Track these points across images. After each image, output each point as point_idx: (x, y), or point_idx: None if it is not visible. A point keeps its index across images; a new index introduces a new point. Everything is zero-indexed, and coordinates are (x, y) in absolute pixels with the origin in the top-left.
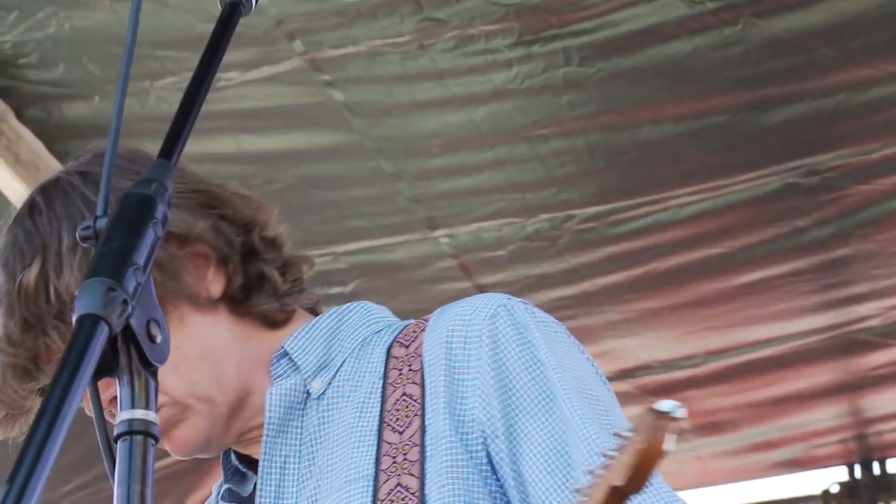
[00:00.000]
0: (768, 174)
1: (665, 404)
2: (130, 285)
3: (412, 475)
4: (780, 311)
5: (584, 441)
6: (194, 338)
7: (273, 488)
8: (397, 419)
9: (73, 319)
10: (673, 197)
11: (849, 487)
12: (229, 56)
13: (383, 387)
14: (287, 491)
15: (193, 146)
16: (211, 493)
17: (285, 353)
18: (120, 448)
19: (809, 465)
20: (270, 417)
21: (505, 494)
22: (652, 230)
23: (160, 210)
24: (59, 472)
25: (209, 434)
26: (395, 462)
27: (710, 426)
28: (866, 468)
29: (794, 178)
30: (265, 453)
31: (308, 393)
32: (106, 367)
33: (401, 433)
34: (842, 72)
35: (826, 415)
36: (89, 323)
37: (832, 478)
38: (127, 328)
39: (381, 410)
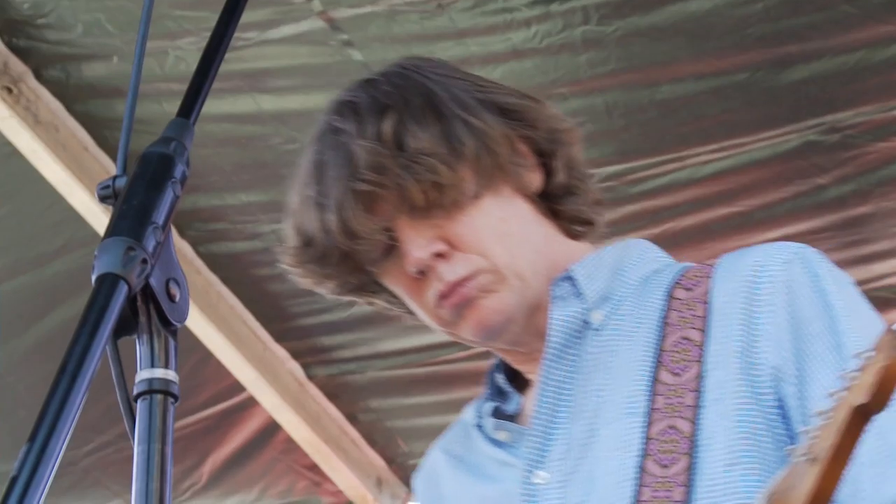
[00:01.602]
0: (788, 132)
1: None
2: (150, 244)
3: (685, 419)
4: None
5: None
6: (519, 218)
7: (547, 412)
8: (674, 361)
9: (93, 279)
10: (692, 155)
11: None
12: (247, 15)
13: (662, 327)
14: (560, 417)
15: (212, 106)
16: None
17: (569, 277)
18: (140, 407)
19: None
20: (553, 341)
21: (792, 439)
22: (671, 189)
23: (179, 169)
24: (79, 431)
25: (514, 313)
26: (668, 403)
27: None
28: None
29: (814, 135)
30: (543, 376)
31: (586, 323)
32: (126, 326)
33: (676, 375)
34: (862, 29)
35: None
36: (109, 282)
37: None
38: (146, 287)
39: (658, 350)
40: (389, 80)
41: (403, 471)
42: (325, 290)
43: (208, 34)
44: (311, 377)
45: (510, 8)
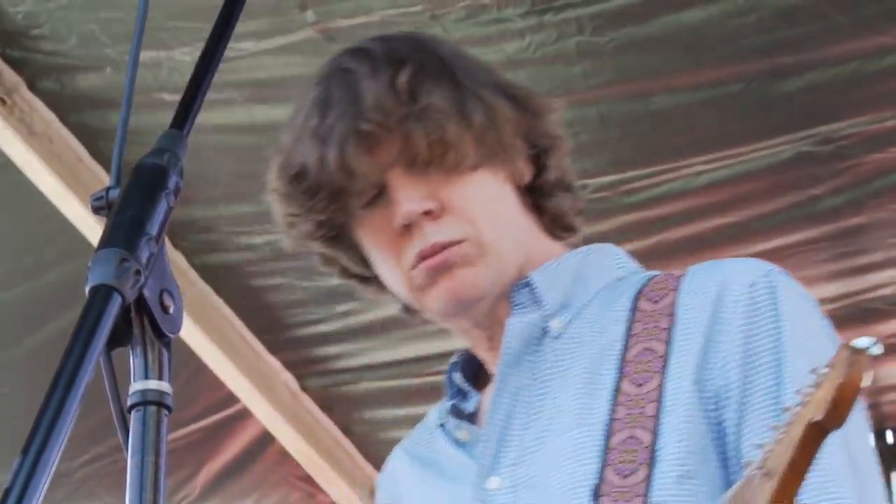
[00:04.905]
0: (782, 142)
1: (862, 341)
2: (144, 255)
3: (646, 429)
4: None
5: None
6: (508, 202)
7: (502, 418)
8: (637, 372)
9: (86, 290)
10: (686, 166)
11: None
12: (242, 26)
13: (626, 338)
14: (515, 422)
15: (206, 116)
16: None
17: (528, 284)
18: (134, 418)
19: None
20: (509, 348)
21: (726, 462)
22: (666, 199)
23: (173, 180)
24: (73, 442)
25: (486, 291)
26: (629, 413)
27: None
28: (880, 437)
29: (808, 146)
30: (499, 382)
31: (545, 330)
32: (119, 338)
33: (639, 386)
34: (856, 39)
35: None
36: (102, 293)
37: None
38: (140, 298)
39: (622, 361)
40: (404, 40)
41: None
42: (296, 233)
43: (202, 45)
44: (305, 388)
45: (504, 18)
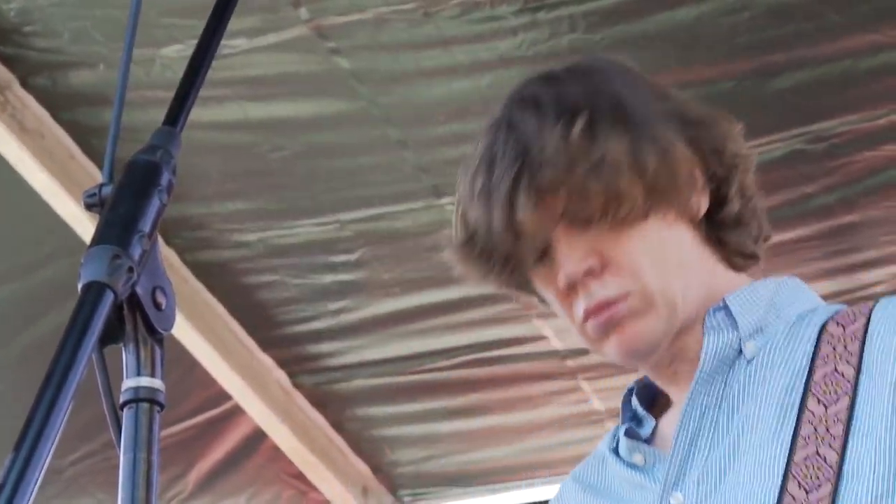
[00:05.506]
0: (774, 140)
1: None
2: (136, 252)
3: (832, 448)
4: None
5: None
6: (677, 244)
7: (689, 434)
8: (824, 392)
9: (79, 287)
10: None
11: None
12: (235, 23)
13: (812, 359)
14: (701, 440)
15: (199, 114)
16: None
17: (725, 307)
18: (126, 416)
19: None
20: (704, 365)
21: None
22: None
23: (165, 177)
24: (65, 439)
25: (660, 339)
26: (815, 432)
27: None
28: None
29: (801, 144)
30: (690, 398)
31: (739, 353)
32: (112, 335)
33: (826, 406)
34: (849, 37)
35: None
36: (95, 290)
37: None
38: (132, 295)
39: (808, 381)
40: (575, 79)
41: (389, 479)
42: (490, 286)
43: (195, 42)
44: (297, 386)
45: (497, 16)
